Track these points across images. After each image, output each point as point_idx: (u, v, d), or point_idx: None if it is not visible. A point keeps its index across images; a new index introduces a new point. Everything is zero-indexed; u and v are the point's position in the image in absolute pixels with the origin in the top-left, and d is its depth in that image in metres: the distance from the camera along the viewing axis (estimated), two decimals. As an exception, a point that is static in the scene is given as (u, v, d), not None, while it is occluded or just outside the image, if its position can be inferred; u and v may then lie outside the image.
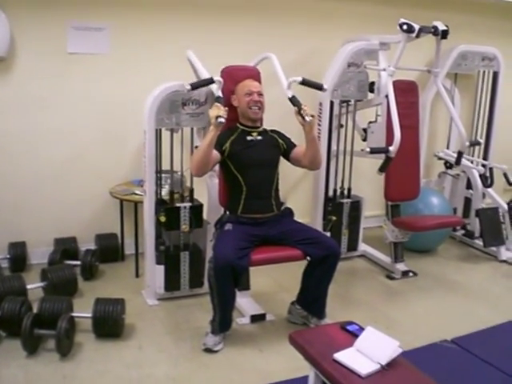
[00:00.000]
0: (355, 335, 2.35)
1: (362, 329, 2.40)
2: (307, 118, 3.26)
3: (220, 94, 3.46)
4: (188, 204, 3.83)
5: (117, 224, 4.59)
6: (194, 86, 3.43)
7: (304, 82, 3.51)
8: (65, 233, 4.54)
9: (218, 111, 3.15)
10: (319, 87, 3.61)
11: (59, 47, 4.24)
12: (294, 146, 3.62)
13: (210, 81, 3.48)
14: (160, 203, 3.84)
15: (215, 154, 3.35)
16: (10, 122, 4.24)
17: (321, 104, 4.40)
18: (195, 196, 3.91)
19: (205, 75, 3.64)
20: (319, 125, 4.39)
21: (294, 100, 3.41)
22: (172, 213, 3.78)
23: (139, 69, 4.44)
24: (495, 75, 5.51)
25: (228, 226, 3.41)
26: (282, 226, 3.48)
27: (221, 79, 3.48)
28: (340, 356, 2.20)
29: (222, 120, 3.12)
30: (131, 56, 4.43)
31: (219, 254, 3.18)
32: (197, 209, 3.86)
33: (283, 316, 3.73)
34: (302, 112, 3.28)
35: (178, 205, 3.82)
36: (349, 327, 2.47)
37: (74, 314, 3.35)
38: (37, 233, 4.49)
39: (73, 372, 3.00)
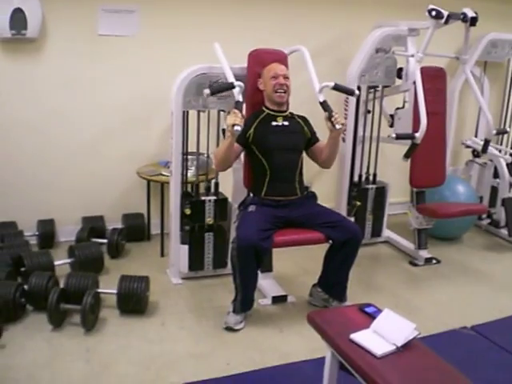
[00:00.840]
0: (373, 317, 2.37)
1: (379, 311, 2.42)
2: (337, 126, 3.27)
3: (240, 98, 3.37)
4: (213, 197, 3.87)
5: (143, 204, 4.66)
6: (214, 91, 3.38)
7: (336, 87, 3.51)
8: (92, 211, 4.62)
9: (235, 119, 3.12)
10: (351, 93, 3.62)
11: (90, 29, 4.28)
12: (317, 140, 3.64)
13: (231, 86, 3.40)
14: (185, 195, 3.89)
15: (237, 147, 3.40)
16: (39, 101, 4.31)
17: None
18: (220, 176, 3.94)
19: (229, 74, 3.51)
20: (346, 110, 4.40)
21: (325, 105, 3.41)
22: (197, 206, 3.83)
23: (167, 51, 4.47)
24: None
25: (251, 208, 3.45)
26: (305, 209, 3.50)
27: (241, 84, 3.42)
28: (356, 336, 2.22)
29: (239, 128, 3.11)
30: (159, 38, 4.46)
31: (242, 234, 3.22)
32: (221, 202, 3.90)
33: (304, 298, 3.77)
34: (332, 119, 3.29)
35: (202, 198, 3.86)
36: (367, 309, 2.48)
37: (99, 290, 3.44)
38: (65, 211, 4.57)
39: (96, 346, 3.08)
